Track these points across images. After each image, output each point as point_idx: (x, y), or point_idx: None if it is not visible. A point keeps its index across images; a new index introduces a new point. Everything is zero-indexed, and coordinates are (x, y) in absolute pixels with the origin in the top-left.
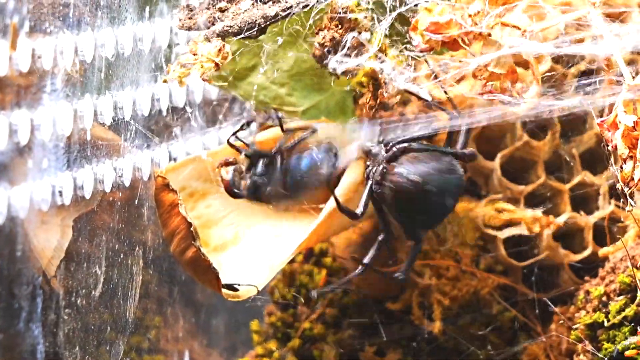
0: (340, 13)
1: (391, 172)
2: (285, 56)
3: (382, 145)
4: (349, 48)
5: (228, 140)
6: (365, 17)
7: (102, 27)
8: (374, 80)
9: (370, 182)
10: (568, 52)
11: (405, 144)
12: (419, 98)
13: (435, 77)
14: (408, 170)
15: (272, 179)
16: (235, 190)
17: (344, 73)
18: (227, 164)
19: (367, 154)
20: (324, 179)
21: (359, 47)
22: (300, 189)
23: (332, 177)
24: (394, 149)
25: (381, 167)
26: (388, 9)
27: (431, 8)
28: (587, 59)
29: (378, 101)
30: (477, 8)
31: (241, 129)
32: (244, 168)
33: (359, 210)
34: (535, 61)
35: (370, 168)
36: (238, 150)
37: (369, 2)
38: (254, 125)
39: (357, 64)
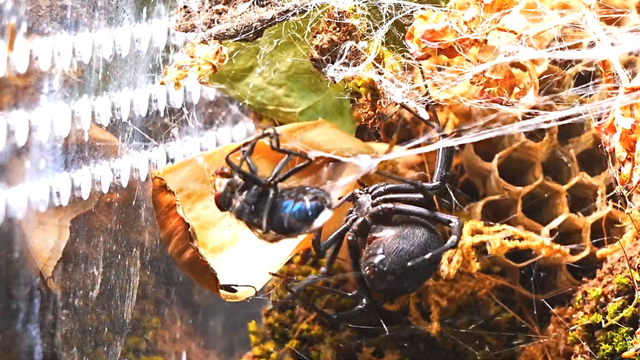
0: (337, 18)
1: (371, 247)
2: (282, 57)
3: (370, 195)
4: (346, 57)
5: (227, 158)
6: (361, 23)
7: (100, 28)
8: (373, 91)
9: (345, 226)
10: (563, 57)
11: (391, 205)
12: (415, 115)
13: (428, 91)
14: (387, 255)
15: (260, 211)
16: (223, 206)
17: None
18: (222, 174)
19: (353, 199)
20: (310, 230)
21: (356, 56)
22: (284, 232)
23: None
24: (379, 207)
25: (362, 219)
26: (384, 15)
27: (426, 16)
28: (585, 61)
29: (376, 111)
30: (472, 14)
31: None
32: (239, 182)
33: (322, 245)
34: (533, 65)
35: (352, 214)
36: (233, 168)
37: (364, 9)
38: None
39: (354, 72)
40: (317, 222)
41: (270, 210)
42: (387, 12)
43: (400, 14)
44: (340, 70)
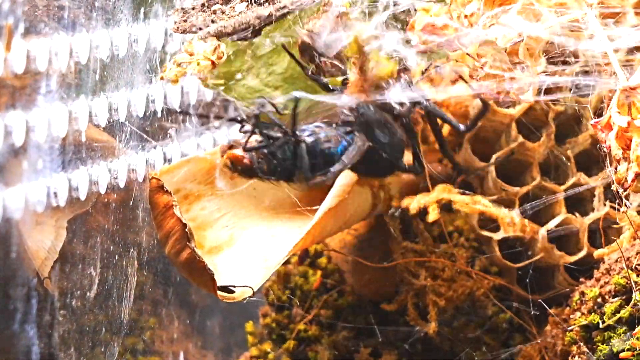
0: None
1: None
2: (279, 59)
3: None
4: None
5: (255, 118)
6: (357, 18)
7: (97, 29)
8: (360, 50)
9: None
10: (562, 41)
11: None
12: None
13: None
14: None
15: (299, 163)
16: (256, 169)
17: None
18: (231, 147)
19: None
20: (352, 163)
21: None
22: (334, 171)
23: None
24: None
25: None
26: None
27: (428, 8)
28: (582, 62)
29: (366, 75)
30: (473, 9)
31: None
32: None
33: None
34: (533, 62)
35: None
36: (260, 130)
37: (362, 2)
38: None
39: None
40: (350, 154)
41: (312, 156)
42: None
43: (397, 6)
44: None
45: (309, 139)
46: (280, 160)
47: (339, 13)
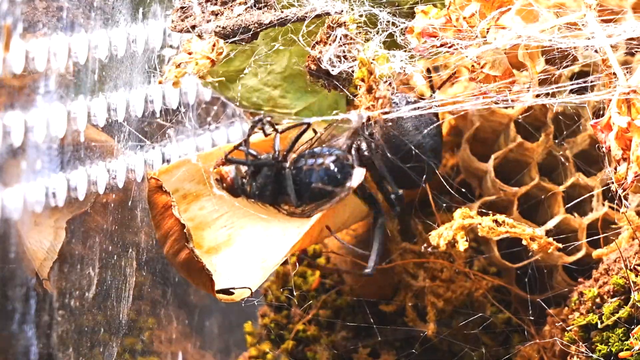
0: (335, 29)
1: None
2: (278, 58)
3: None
4: (340, 45)
5: (226, 156)
6: (359, 33)
7: (96, 29)
8: (370, 74)
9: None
10: (562, 44)
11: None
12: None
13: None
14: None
15: (285, 187)
16: (238, 192)
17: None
18: (225, 163)
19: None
20: (345, 192)
21: (350, 43)
22: (318, 201)
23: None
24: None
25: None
26: (381, 30)
27: (427, 11)
28: (581, 61)
29: (372, 97)
30: (472, 10)
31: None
32: (243, 169)
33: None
34: (532, 63)
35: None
36: (245, 160)
37: (362, 16)
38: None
39: (349, 66)
40: (354, 182)
41: (295, 183)
42: (385, 25)
43: (396, 28)
44: (336, 63)
45: (298, 166)
46: (263, 184)
47: (342, 35)
